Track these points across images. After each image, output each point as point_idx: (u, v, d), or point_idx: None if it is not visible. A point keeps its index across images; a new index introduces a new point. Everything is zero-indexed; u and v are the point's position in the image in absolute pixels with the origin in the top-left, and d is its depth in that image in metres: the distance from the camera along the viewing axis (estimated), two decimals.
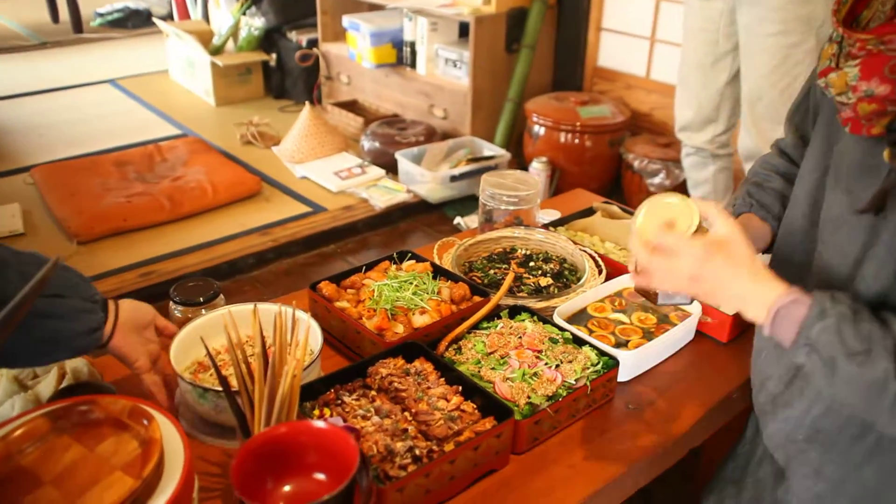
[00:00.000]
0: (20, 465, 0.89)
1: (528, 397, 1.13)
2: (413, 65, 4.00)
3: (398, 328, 1.28)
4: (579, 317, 1.39)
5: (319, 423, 0.93)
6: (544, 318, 1.31)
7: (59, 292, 0.97)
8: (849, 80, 0.84)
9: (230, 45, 4.80)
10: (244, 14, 4.74)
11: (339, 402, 1.09)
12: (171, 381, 1.15)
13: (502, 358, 1.21)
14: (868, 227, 0.86)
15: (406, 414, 1.07)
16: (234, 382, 1.02)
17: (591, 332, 1.34)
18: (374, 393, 1.12)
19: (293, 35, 4.65)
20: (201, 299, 1.31)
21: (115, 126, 4.43)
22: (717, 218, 0.93)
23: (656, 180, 3.33)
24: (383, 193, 3.52)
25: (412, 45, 3.96)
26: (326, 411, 1.07)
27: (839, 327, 0.81)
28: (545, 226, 1.69)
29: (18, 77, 5.27)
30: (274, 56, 4.74)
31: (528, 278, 1.49)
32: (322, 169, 3.74)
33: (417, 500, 0.98)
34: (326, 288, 1.36)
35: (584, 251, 1.54)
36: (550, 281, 1.48)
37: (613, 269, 1.51)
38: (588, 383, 1.17)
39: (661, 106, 3.59)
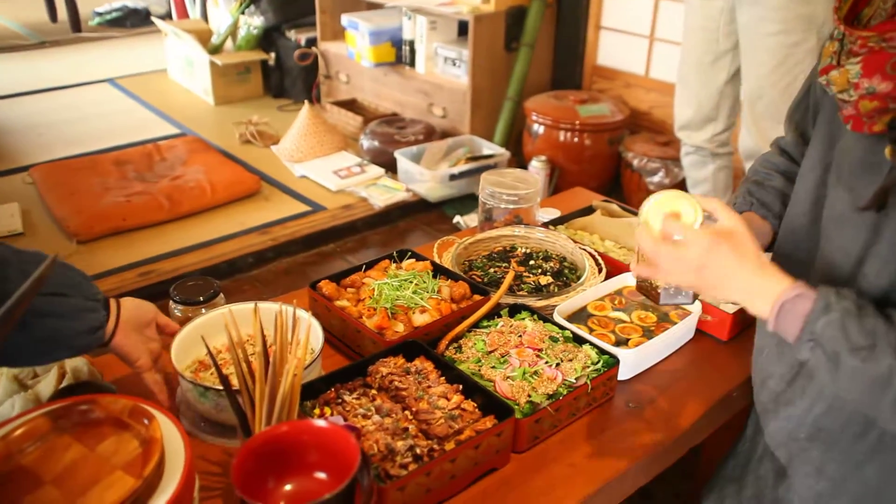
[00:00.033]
0: (20, 464, 0.89)
1: (529, 396, 1.13)
2: (412, 63, 4.00)
3: (398, 327, 1.28)
4: (579, 315, 1.39)
5: (320, 422, 0.93)
6: (544, 316, 1.31)
7: (60, 291, 0.97)
8: (850, 77, 0.84)
9: (229, 44, 4.79)
10: (243, 13, 4.73)
11: (340, 401, 1.09)
12: (171, 380, 1.15)
13: (502, 356, 1.21)
14: (870, 224, 0.86)
15: (406, 413, 1.07)
16: (234, 381, 1.01)
17: (591, 330, 1.34)
18: (374, 392, 1.12)
19: (292, 34, 4.65)
20: (201, 298, 1.30)
21: (114, 125, 4.43)
22: (721, 212, 0.93)
23: (655, 179, 3.33)
24: (382, 192, 3.52)
25: (411, 43, 3.95)
26: (327, 410, 1.07)
27: (843, 322, 0.80)
28: (545, 224, 1.69)
29: (17, 76, 5.26)
30: (273, 55, 4.74)
31: (528, 277, 1.49)
32: (321, 168, 3.74)
33: (418, 499, 0.98)
34: (326, 287, 1.36)
35: (584, 250, 1.54)
36: (550, 279, 1.48)
37: (613, 268, 1.51)
38: (588, 382, 1.17)
39: (661, 104, 3.59)
